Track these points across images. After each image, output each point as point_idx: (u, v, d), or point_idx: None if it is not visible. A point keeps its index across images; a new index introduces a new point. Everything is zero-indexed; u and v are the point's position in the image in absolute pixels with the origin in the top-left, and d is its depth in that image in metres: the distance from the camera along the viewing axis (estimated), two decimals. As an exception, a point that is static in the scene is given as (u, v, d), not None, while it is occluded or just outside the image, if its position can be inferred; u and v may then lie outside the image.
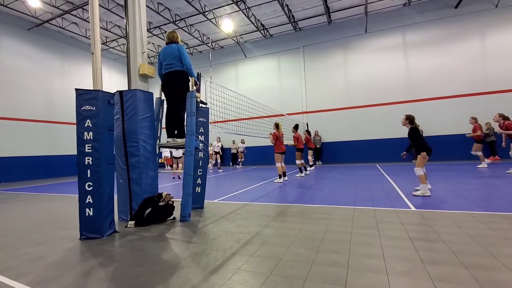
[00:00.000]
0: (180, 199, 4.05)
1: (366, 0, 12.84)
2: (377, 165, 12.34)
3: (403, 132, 13.55)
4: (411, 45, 13.88)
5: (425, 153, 4.86)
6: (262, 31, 16.17)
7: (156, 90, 4.70)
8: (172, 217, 4.08)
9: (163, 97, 4.76)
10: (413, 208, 4.05)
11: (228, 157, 17.65)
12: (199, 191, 4.79)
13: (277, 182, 8.01)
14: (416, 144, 5.02)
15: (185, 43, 17.57)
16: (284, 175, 8.32)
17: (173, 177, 10.92)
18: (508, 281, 1.86)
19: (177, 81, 4.39)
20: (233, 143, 17.27)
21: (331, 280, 1.99)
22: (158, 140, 4.69)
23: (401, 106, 13.84)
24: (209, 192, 6.15)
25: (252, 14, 14.37)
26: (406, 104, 13.75)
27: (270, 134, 8.76)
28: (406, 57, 13.96)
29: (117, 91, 4.15)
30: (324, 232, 3.13)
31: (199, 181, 4.80)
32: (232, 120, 7.67)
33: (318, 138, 15.16)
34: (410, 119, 5.14)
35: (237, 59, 17.97)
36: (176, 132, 4.61)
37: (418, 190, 5.00)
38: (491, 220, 3.25)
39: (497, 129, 11.89)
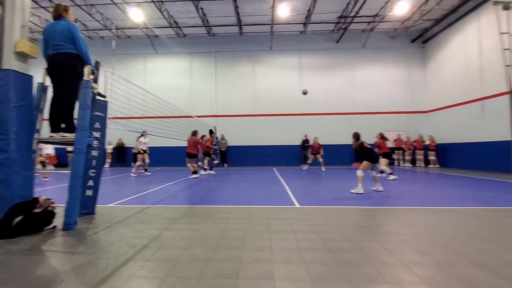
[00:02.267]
0: (65, 205, 3.50)
1: (272, 21, 14.24)
2: (274, 168, 13.73)
3: (297, 140, 15.75)
4: (305, 67, 16.39)
5: (367, 162, 6.08)
6: (175, 29, 15.61)
7: (38, 73, 3.93)
8: (52, 226, 3.47)
9: (47, 82, 4.01)
10: (297, 205, 4.79)
11: (130, 156, 16.05)
12: (90, 194, 4.24)
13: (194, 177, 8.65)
14: (362, 154, 6.22)
15: (83, 23, 15.12)
16: (196, 172, 9.13)
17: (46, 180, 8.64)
18: (356, 259, 2.46)
19: (68, 65, 3.77)
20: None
21: (225, 275, 2.16)
22: (37, 134, 3.92)
23: (296, 118, 16.07)
24: (103, 195, 5.49)
25: (165, 9, 13.70)
26: (301, 116, 16.07)
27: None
28: (301, 76, 16.36)
29: (-21, 69, 3.28)
30: (222, 231, 3.33)
31: (91, 183, 4.25)
32: (136, 118, 7.11)
33: (224, 141, 15.74)
34: (355, 137, 6.33)
35: (146, 53, 16.69)
36: (64, 125, 3.96)
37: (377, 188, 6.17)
38: (350, 212, 4.20)
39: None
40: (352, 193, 5.91)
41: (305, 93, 10.87)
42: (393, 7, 12.66)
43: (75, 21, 4.01)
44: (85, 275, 2.17)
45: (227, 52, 16.50)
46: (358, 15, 13.29)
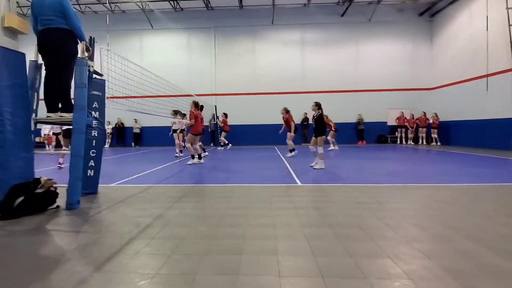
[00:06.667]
0: (67, 185, 3.51)
1: (274, -7, 13.59)
2: (275, 147, 13.71)
3: (297, 118, 15.53)
4: (307, 43, 15.80)
5: (324, 136, 6.21)
6: (171, 2, 14.92)
7: (30, 50, 3.78)
8: (55, 206, 3.50)
9: (40, 60, 3.87)
10: (299, 183, 4.83)
11: (130, 136, 16.05)
12: (91, 174, 4.24)
13: (191, 163, 7.52)
14: (318, 128, 6.17)
15: (75, 13, 14.35)
16: (200, 157, 8.00)
17: None
18: (357, 234, 2.50)
19: (60, 42, 3.62)
20: (136, 122, 15.78)
21: (229, 251, 2.20)
22: (34, 114, 3.85)
23: (296, 95, 15.66)
24: (105, 175, 5.52)
25: (161, -20, 13.02)
26: (300, 94, 15.63)
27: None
28: (303, 52, 15.83)
29: (-34, 46, 3.14)
30: (225, 209, 3.36)
31: (92, 163, 4.24)
32: (134, 97, 6.97)
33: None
34: (318, 105, 6.23)
35: (142, 29, 16.08)
36: (61, 105, 3.88)
37: (316, 164, 6.26)
38: (349, 190, 4.24)
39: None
40: (315, 168, 6.13)
41: None
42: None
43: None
44: (91, 254, 2.20)
45: (227, 27, 15.85)
46: (364, -15, 12.63)
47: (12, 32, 3.63)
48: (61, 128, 7.31)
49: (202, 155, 8.30)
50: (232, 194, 4.09)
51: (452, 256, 2.04)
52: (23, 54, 3.55)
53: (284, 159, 8.47)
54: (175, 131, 10.31)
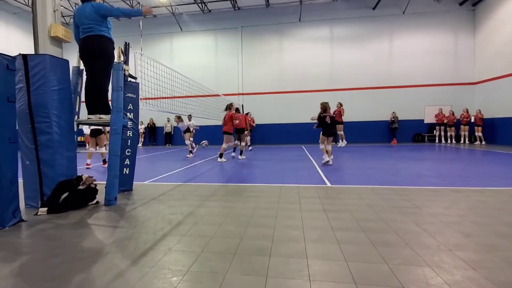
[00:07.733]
0: (105, 182, 3.74)
1: (301, -11, 13.33)
2: (303, 146, 13.49)
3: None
4: (336, 38, 15.32)
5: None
6: (200, 5, 15.29)
7: (72, 57, 4.07)
8: (95, 202, 3.75)
9: (81, 66, 4.16)
10: (328, 184, 4.69)
11: (161, 136, 16.74)
12: (127, 172, 4.48)
13: (220, 161, 8.20)
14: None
15: (110, 5, 15.32)
16: (221, 156, 8.29)
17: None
18: (391, 239, 2.37)
19: (98, 48, 3.85)
20: (168, 121, 16.42)
21: (258, 252, 2.19)
22: (76, 116, 4.15)
23: (323, 93, 15.13)
24: (138, 173, 5.81)
25: (189, -17, 13.37)
26: (328, 92, 15.13)
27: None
28: (331, 48, 15.37)
29: (20, 54, 3.45)
30: (253, 209, 3.36)
31: (127, 162, 4.48)
32: (165, 98, 7.24)
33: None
34: (326, 108, 7.02)
35: (172, 32, 16.68)
36: (98, 107, 4.13)
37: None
38: (383, 192, 4.03)
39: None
40: (324, 164, 6.68)
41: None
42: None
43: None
44: (127, 248, 2.31)
45: (253, 26, 15.88)
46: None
47: (57, 41, 3.92)
48: (89, 127, 7.58)
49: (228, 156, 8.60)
50: (260, 194, 4.08)
51: (500, 267, 1.86)
52: (67, 61, 3.83)
53: (312, 159, 8.31)
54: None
